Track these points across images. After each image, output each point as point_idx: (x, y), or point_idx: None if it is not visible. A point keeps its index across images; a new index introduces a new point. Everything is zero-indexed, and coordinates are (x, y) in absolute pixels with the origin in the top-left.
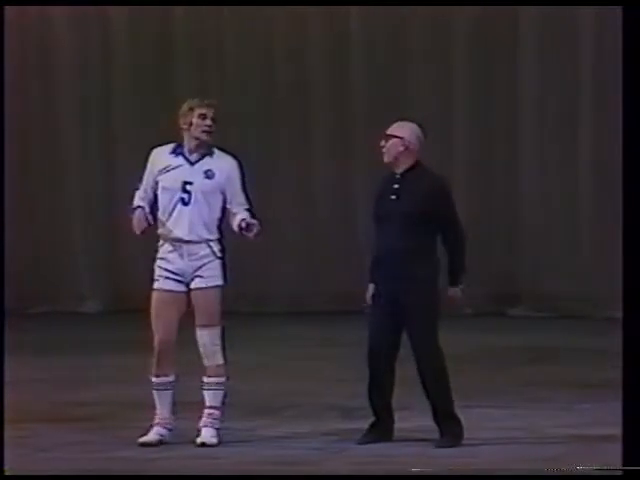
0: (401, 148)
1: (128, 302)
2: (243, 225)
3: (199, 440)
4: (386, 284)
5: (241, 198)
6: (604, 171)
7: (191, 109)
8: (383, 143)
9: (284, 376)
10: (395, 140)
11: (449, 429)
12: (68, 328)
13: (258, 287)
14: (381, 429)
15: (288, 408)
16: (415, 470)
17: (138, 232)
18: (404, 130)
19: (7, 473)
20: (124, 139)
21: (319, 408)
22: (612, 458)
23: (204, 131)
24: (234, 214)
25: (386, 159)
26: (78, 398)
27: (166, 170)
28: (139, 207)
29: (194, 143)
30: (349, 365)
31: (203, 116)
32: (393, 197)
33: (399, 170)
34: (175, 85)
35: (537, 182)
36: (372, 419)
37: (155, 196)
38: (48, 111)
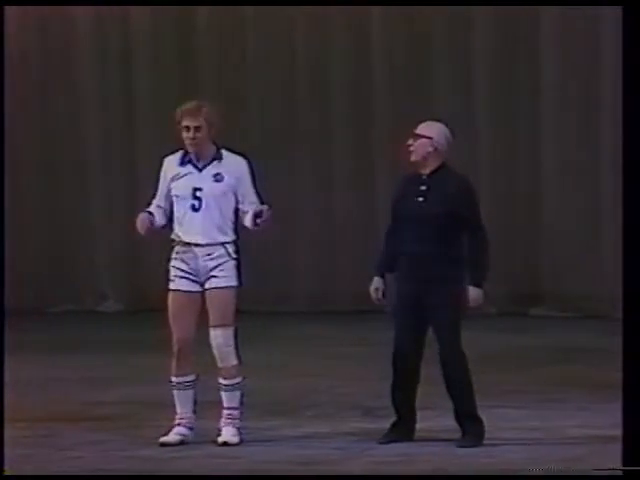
0: (430, 149)
1: (148, 302)
2: (257, 211)
3: (220, 439)
4: (412, 284)
5: (252, 197)
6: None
7: (178, 122)
8: (411, 142)
9: (304, 375)
10: (424, 140)
11: (471, 429)
12: (88, 327)
13: (277, 286)
14: (403, 428)
15: (309, 407)
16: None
17: (142, 232)
18: (433, 130)
19: (7, 473)
20: (145, 139)
21: (340, 407)
22: None
23: (190, 144)
24: (245, 212)
25: (413, 158)
26: (97, 397)
27: (177, 178)
28: (149, 212)
29: (193, 154)
30: (370, 364)
31: (187, 128)
32: (420, 199)
33: (426, 171)
34: (197, 85)
35: (559, 182)
36: (394, 418)
37: (171, 205)
38: (70, 111)
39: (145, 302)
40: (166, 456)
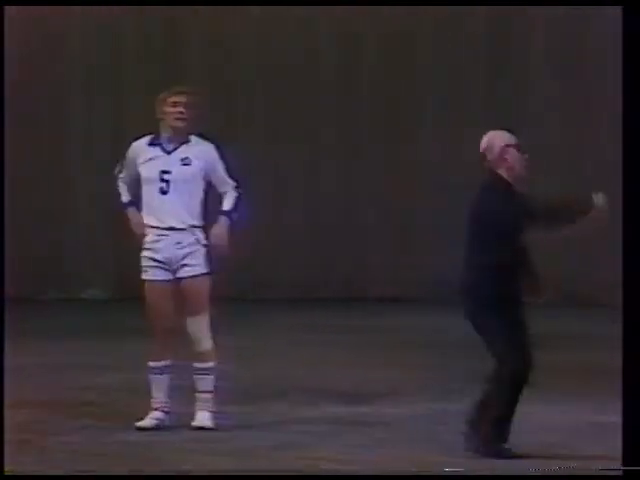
0: None
1: (132, 289)
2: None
3: (194, 424)
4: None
5: (226, 179)
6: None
7: (164, 99)
8: (527, 156)
9: (286, 362)
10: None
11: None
12: (73, 315)
13: (264, 274)
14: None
15: (289, 393)
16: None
17: (139, 232)
18: None
19: (7, 473)
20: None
21: (320, 393)
22: None
23: (177, 118)
24: (224, 193)
25: (526, 172)
26: (80, 383)
27: (145, 161)
28: (131, 203)
29: (170, 131)
30: (352, 352)
31: (175, 104)
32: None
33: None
34: (187, 84)
35: (562, 173)
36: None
37: (138, 185)
38: (58, 111)
39: (129, 290)
40: (144, 440)
